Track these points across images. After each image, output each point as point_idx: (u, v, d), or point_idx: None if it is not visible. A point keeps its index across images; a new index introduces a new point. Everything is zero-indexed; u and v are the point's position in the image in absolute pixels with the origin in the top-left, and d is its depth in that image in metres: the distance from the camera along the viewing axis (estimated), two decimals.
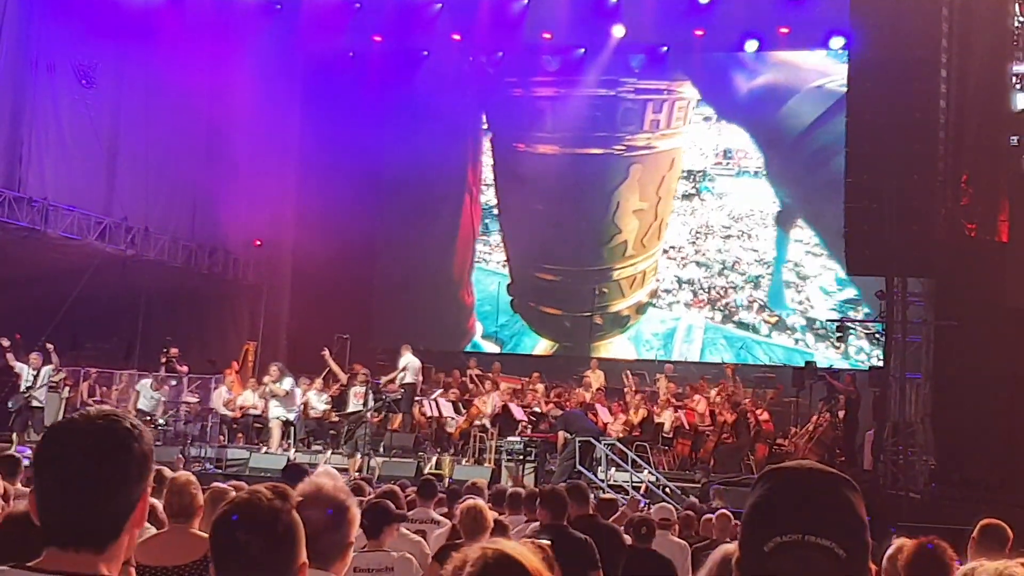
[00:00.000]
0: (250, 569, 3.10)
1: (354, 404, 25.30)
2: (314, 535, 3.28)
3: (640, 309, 33.70)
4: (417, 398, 26.07)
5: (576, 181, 33.83)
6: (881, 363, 23.76)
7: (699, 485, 22.42)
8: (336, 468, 15.29)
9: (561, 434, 23.15)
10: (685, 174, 33.33)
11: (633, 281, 33.80)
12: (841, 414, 24.48)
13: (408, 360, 26.08)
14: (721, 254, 33.06)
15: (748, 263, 32.77)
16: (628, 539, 10.35)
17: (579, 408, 24.80)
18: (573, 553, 8.58)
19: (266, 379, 26.33)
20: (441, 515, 11.67)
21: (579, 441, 22.50)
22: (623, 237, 33.67)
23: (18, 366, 23.69)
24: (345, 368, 27.08)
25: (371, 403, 25.18)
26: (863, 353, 29.78)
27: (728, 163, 33.25)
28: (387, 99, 33.12)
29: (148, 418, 24.83)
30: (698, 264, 33.38)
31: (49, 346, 23.85)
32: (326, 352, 26.87)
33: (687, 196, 33.41)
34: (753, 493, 2.42)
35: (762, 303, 32.39)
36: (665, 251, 33.55)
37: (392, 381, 26.21)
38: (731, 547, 4.25)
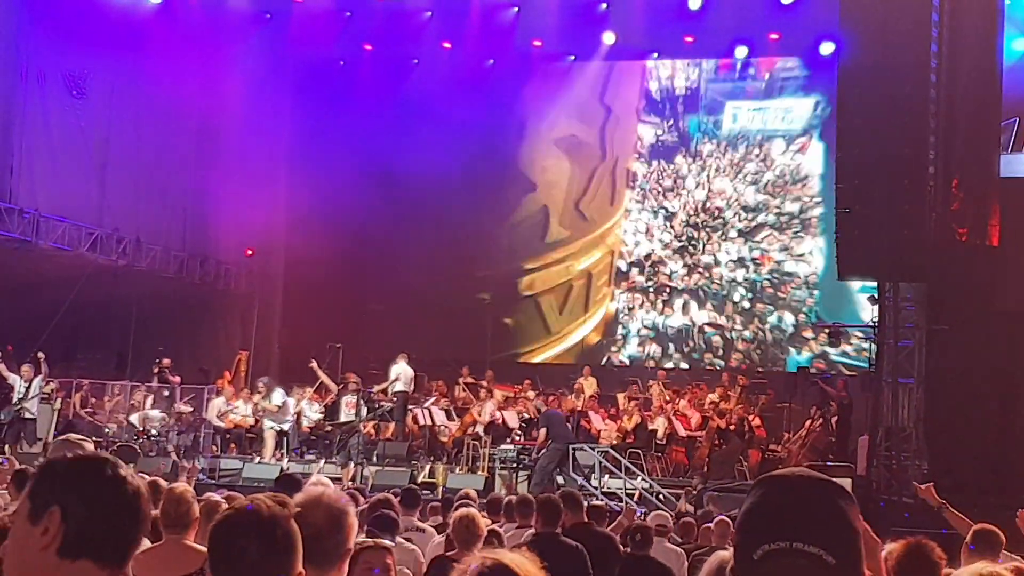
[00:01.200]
0: (247, 575, 3.11)
1: (346, 413, 25.23)
2: (313, 539, 3.30)
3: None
4: (410, 407, 26.04)
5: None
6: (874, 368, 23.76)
7: (694, 492, 22.41)
8: (329, 477, 15.29)
9: (543, 431, 23.15)
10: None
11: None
12: (834, 419, 24.51)
13: (401, 369, 26.05)
14: (732, 247, 29.79)
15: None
16: (626, 547, 10.37)
17: (572, 414, 24.80)
18: (565, 560, 8.59)
19: (255, 397, 26.27)
20: (434, 525, 11.67)
21: (556, 447, 22.54)
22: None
23: (11, 377, 23.65)
24: (337, 377, 27.06)
25: (363, 412, 25.13)
26: None
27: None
28: (378, 107, 33.14)
29: (140, 428, 24.88)
30: (688, 269, 30.02)
31: (40, 355, 23.81)
32: (314, 364, 26.82)
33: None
34: (747, 500, 2.44)
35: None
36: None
37: (384, 391, 26.18)
38: (727, 554, 4.27)
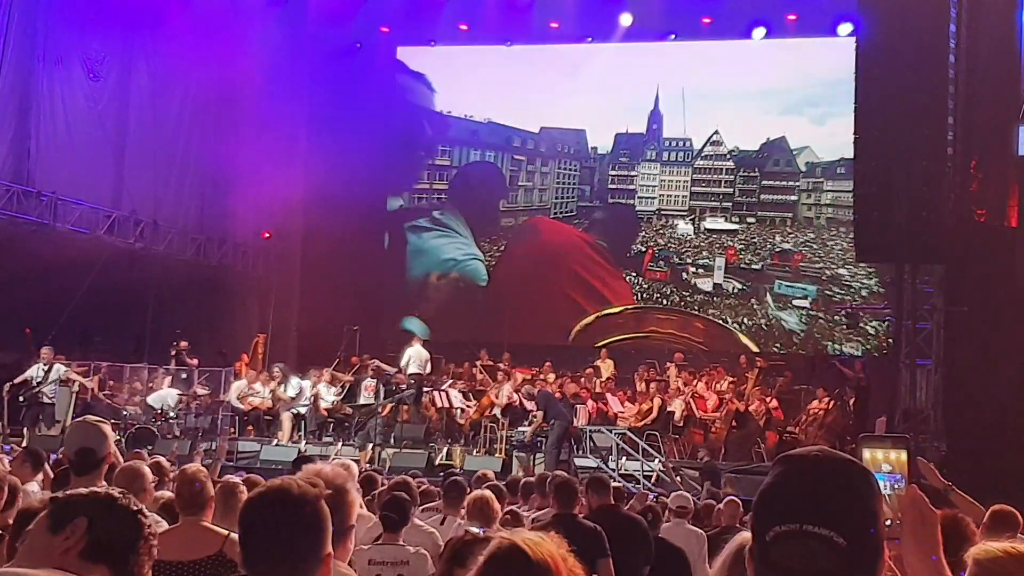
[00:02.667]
0: (277, 552, 3.14)
1: (364, 397, 25.28)
2: None
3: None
4: (427, 389, 26.02)
5: None
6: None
7: (699, 466, 22.35)
8: (348, 459, 15.31)
9: (540, 414, 23.21)
10: None
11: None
12: (852, 401, 24.45)
13: (413, 351, 26.03)
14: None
15: None
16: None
17: (573, 397, 24.76)
18: (582, 541, 8.58)
19: (272, 384, 26.31)
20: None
21: (560, 425, 22.63)
22: None
23: (29, 372, 23.71)
24: (359, 359, 27.19)
25: (382, 395, 25.14)
26: None
27: None
28: (394, 89, 33.22)
29: (158, 411, 24.94)
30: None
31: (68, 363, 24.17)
32: (375, 361, 26.67)
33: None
34: (765, 480, 2.44)
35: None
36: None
37: (401, 372, 26.20)
38: (748, 535, 4.26)
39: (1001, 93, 21.44)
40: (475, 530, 5.19)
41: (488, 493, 9.15)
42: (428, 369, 26.30)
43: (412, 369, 25.75)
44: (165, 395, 25.47)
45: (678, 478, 21.94)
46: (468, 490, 10.59)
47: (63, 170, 26.06)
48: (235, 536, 5.57)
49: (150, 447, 20.18)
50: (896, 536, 2.52)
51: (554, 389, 24.65)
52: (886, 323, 26.86)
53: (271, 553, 3.15)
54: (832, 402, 24.59)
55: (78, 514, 3.20)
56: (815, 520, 2.30)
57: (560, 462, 21.97)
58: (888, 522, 2.49)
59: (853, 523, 2.32)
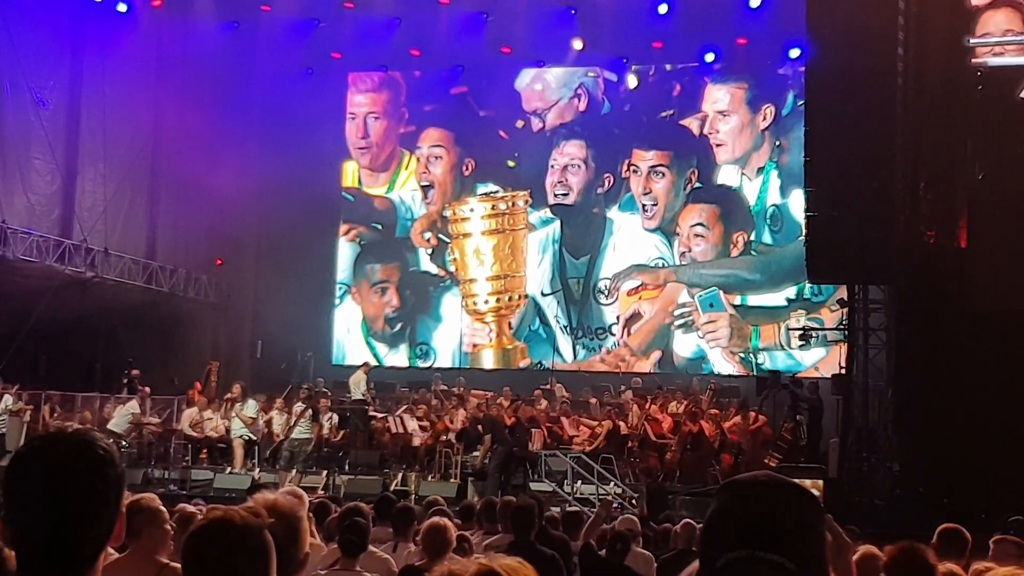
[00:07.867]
0: None
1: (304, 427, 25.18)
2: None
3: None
4: (382, 415, 25.93)
5: None
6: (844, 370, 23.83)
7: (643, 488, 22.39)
8: (302, 487, 15.19)
9: (487, 438, 23.22)
10: None
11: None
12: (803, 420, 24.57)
13: (356, 378, 25.98)
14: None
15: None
16: (602, 552, 10.36)
17: (529, 421, 24.75)
18: (540, 569, 8.55)
19: (227, 396, 26.15)
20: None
21: (501, 450, 22.65)
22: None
23: None
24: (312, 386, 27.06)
25: (332, 423, 25.04)
26: None
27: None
28: (345, 116, 33.21)
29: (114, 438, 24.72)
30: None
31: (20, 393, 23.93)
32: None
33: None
34: (711, 506, 2.43)
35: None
36: None
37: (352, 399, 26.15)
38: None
39: (949, 115, 21.62)
40: None
41: (444, 521, 9.10)
42: (364, 390, 26.10)
43: (356, 396, 25.73)
44: (120, 419, 25.25)
45: (633, 501, 21.95)
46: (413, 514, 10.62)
47: (12, 199, 25.89)
48: (174, 566, 5.49)
49: None
50: None
51: (509, 414, 24.61)
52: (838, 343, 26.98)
53: None
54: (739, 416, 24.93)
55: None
56: (766, 545, 2.29)
57: (514, 487, 21.96)
58: None
59: (802, 548, 2.32)
